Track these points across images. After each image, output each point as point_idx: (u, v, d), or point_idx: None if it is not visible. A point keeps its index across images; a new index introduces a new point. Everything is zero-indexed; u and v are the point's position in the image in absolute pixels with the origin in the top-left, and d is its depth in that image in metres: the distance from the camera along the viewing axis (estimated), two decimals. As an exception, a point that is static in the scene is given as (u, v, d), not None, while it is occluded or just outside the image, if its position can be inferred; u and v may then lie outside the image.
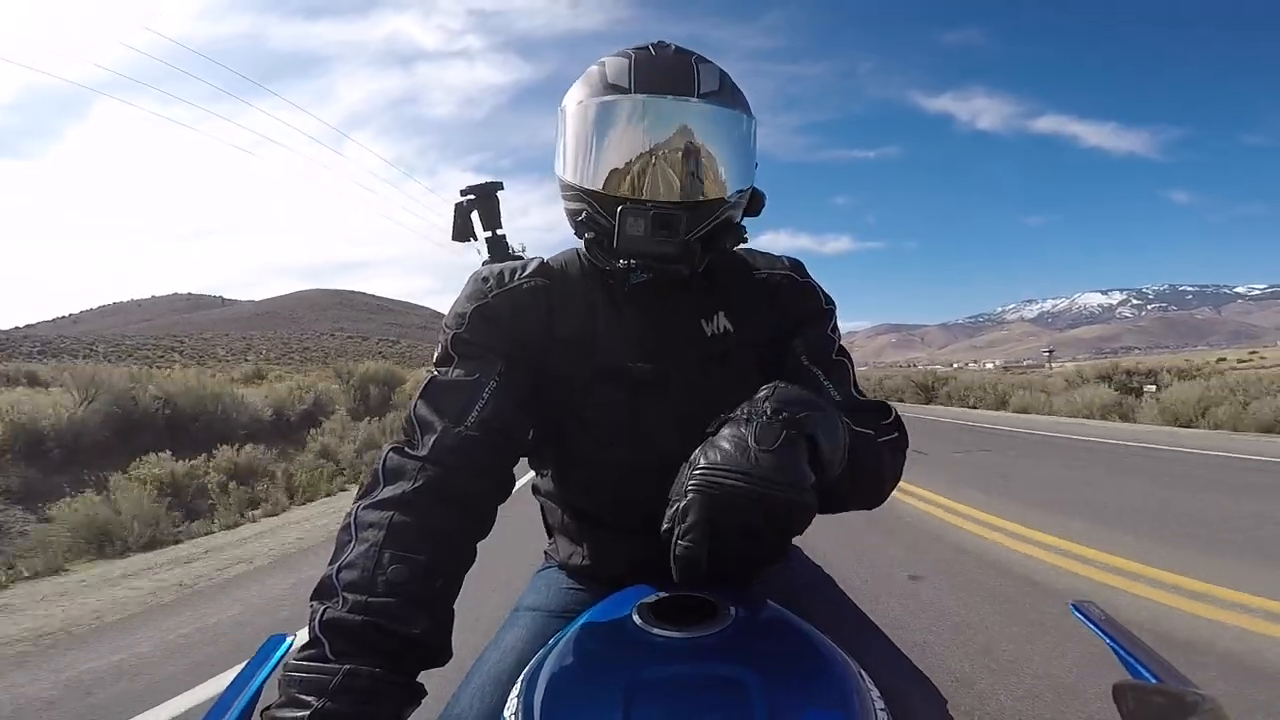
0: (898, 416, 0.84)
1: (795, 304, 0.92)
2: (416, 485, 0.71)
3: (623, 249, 0.78)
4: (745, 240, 0.90)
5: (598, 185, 0.81)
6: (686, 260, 0.81)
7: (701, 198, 0.80)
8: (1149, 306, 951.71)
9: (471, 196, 1.03)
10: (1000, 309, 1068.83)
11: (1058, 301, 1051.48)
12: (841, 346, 0.92)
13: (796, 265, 0.95)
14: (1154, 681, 0.52)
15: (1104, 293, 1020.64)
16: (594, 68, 0.84)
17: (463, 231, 1.03)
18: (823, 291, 0.94)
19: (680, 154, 0.79)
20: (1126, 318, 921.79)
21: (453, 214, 1.03)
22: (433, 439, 0.75)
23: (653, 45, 0.84)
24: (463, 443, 0.75)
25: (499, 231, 1.05)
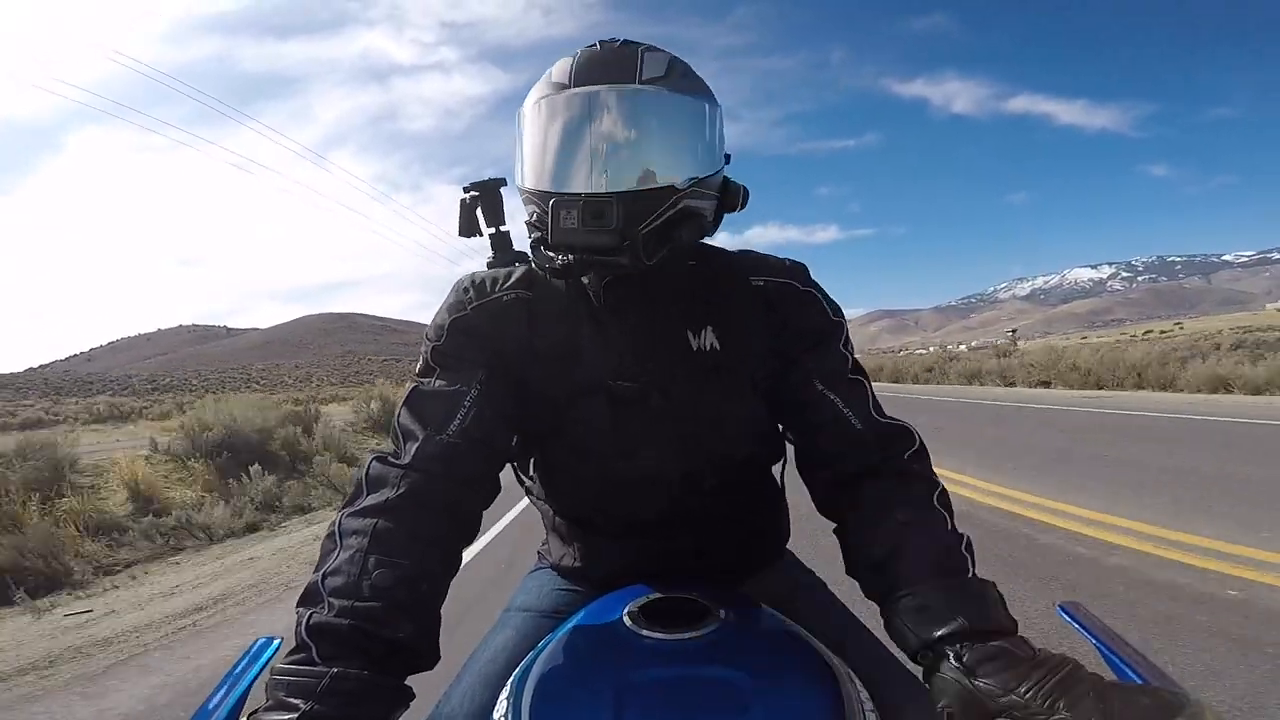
0: (921, 444, 0.80)
1: (796, 315, 0.86)
2: (399, 492, 0.71)
3: (557, 242, 0.75)
4: (708, 234, 0.85)
5: (541, 184, 0.78)
6: (628, 253, 0.75)
7: (640, 186, 0.75)
8: (1139, 278, 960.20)
9: (475, 193, 1.02)
10: (993, 289, 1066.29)
11: (1049, 278, 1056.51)
12: (856, 362, 0.86)
13: (797, 271, 0.88)
14: (1141, 682, 0.52)
15: (1094, 267, 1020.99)
16: (547, 71, 0.82)
17: (468, 227, 1.02)
18: (828, 300, 0.88)
19: (615, 141, 0.75)
20: (1118, 290, 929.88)
21: (458, 210, 1.03)
22: (415, 447, 0.75)
23: (603, 41, 0.82)
24: (445, 450, 0.75)
25: (503, 228, 1.03)
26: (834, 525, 0.82)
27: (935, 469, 0.80)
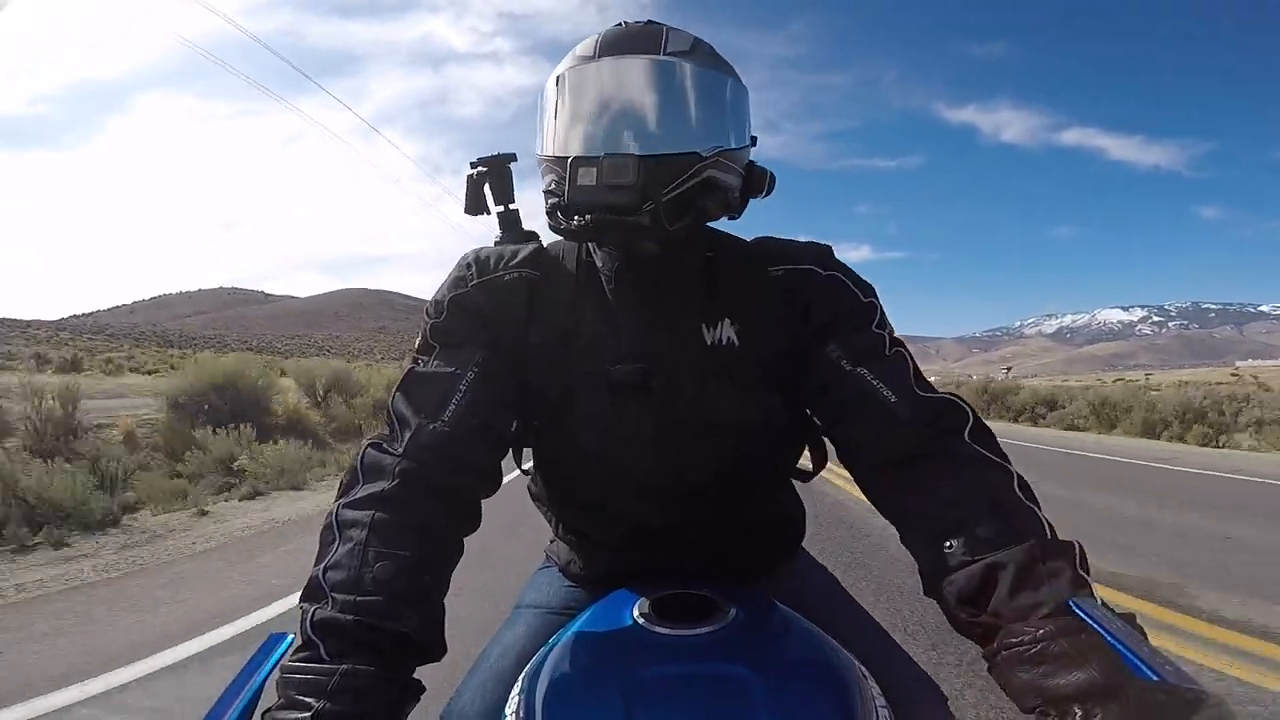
0: (977, 419, 0.72)
1: (819, 304, 0.80)
2: (395, 482, 0.70)
3: (573, 201, 0.72)
4: (734, 213, 0.82)
5: (561, 149, 0.76)
6: (649, 216, 0.71)
7: (663, 149, 0.73)
8: (1170, 324, 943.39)
9: (484, 169, 0.98)
10: (1019, 323, 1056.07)
11: (1078, 317, 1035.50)
12: (896, 339, 0.79)
13: (820, 254, 0.83)
14: (1156, 679, 0.50)
15: (1125, 309, 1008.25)
16: (573, 49, 0.81)
17: (475, 205, 0.98)
18: (856, 281, 0.81)
19: (638, 106, 0.75)
20: (1145, 335, 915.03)
21: (465, 187, 0.98)
22: (409, 435, 0.73)
23: (628, 21, 0.81)
24: (439, 439, 0.73)
25: (511, 206, 1.00)
26: (897, 532, 0.71)
27: None
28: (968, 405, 0.73)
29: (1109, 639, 0.55)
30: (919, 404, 0.73)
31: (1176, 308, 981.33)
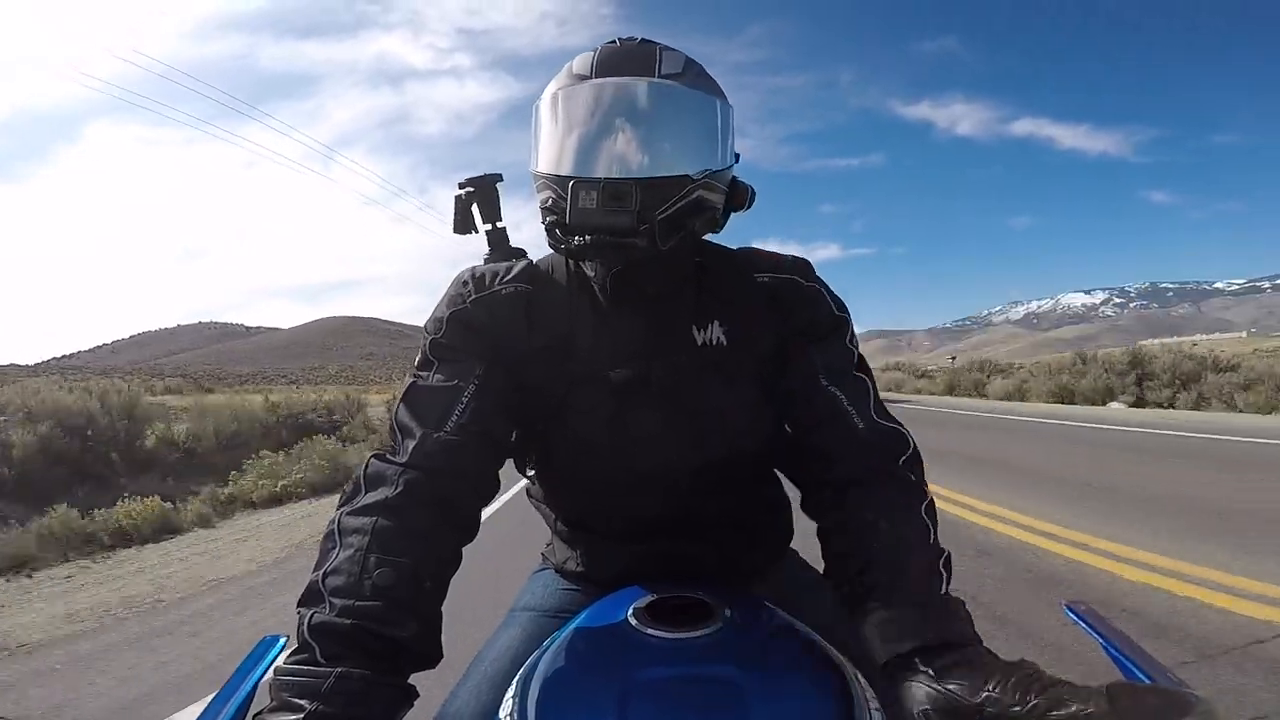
0: (915, 450, 0.79)
1: (801, 311, 0.85)
2: (398, 490, 0.71)
3: (575, 223, 0.75)
4: (717, 228, 0.85)
5: (559, 169, 0.78)
6: (645, 236, 0.75)
7: (658, 173, 0.76)
8: (1131, 305, 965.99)
9: (471, 189, 1.01)
10: (987, 312, 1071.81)
11: (1042, 303, 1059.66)
12: (861, 358, 0.85)
13: (801, 266, 0.88)
14: (1148, 682, 0.52)
15: (1087, 292, 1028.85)
16: (566, 65, 0.84)
17: (464, 224, 1.00)
18: (833, 296, 0.88)
19: (635, 130, 0.77)
20: (1109, 316, 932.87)
21: (453, 206, 1.00)
22: (412, 444, 0.75)
23: (622, 38, 0.83)
24: (443, 447, 0.75)
25: (499, 224, 1.02)
26: (816, 525, 0.79)
27: None
28: (910, 436, 0.79)
29: (1103, 644, 0.58)
30: (877, 429, 0.78)
31: (1136, 289, 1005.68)
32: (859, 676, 0.68)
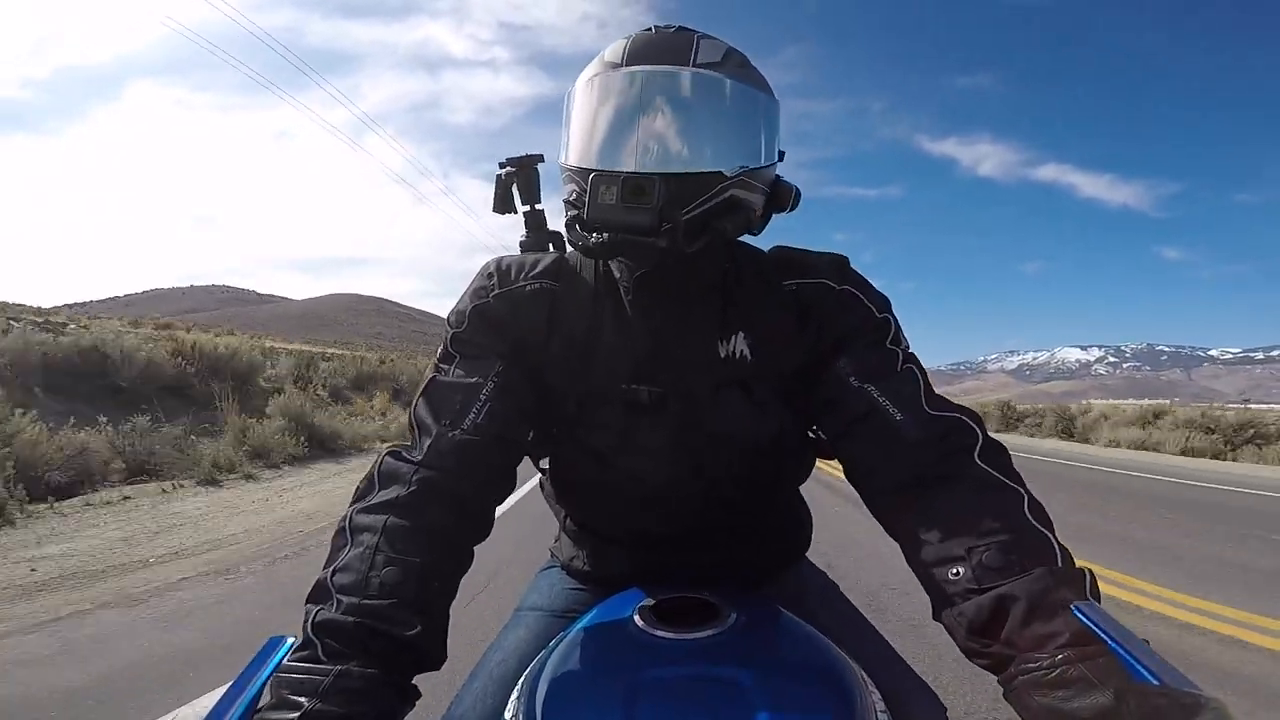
0: (988, 438, 0.71)
1: (835, 318, 0.79)
2: (411, 489, 0.70)
3: (593, 218, 0.71)
4: (755, 230, 0.81)
5: (583, 161, 0.75)
6: (667, 236, 0.70)
7: (685, 168, 0.72)
8: (1125, 365, 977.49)
9: (512, 169, 1.00)
10: (983, 358, 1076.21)
11: (1039, 354, 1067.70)
12: (910, 354, 0.78)
13: (836, 266, 0.82)
14: (1156, 684, 0.50)
15: (1083, 348, 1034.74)
16: (600, 52, 0.80)
17: (503, 204, 1.00)
18: (870, 295, 0.81)
19: (663, 121, 0.73)
20: (1100, 375, 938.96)
21: (494, 185, 1.00)
22: (429, 442, 0.74)
23: (658, 26, 0.79)
24: (458, 447, 0.74)
25: (537, 206, 1.02)
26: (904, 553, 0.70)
27: None
28: (978, 423, 0.71)
29: (1110, 643, 0.55)
30: (927, 422, 0.72)
31: (1132, 349, 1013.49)
32: (867, 681, 0.68)
